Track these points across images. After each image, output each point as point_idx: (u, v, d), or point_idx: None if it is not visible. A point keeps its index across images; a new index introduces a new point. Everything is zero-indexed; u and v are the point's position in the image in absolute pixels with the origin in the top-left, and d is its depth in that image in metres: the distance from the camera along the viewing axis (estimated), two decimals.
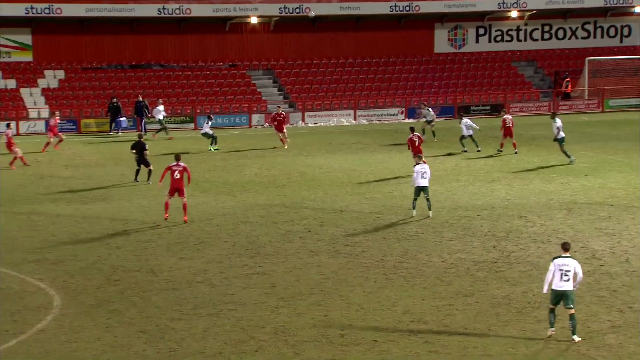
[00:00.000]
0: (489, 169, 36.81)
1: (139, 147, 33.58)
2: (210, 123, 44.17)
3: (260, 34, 61.14)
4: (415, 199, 27.40)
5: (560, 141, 36.85)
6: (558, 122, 37.12)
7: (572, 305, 16.66)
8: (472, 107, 59.34)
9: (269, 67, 61.46)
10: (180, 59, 59.97)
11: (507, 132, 39.81)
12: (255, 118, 55.93)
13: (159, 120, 49.22)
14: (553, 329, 16.83)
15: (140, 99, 52.10)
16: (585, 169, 35.34)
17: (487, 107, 59.34)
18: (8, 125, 40.90)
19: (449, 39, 64.65)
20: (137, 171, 33.81)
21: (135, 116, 52.04)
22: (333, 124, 56.06)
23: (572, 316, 16.66)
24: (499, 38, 65.39)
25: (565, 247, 17.13)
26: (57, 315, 18.42)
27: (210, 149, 42.94)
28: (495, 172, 35.99)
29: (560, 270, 16.68)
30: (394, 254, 23.16)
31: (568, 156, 36.74)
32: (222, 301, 19.33)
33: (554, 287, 16.74)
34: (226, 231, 25.87)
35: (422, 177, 27.28)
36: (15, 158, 38.61)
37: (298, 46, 61.87)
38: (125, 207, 29.65)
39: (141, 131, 50.98)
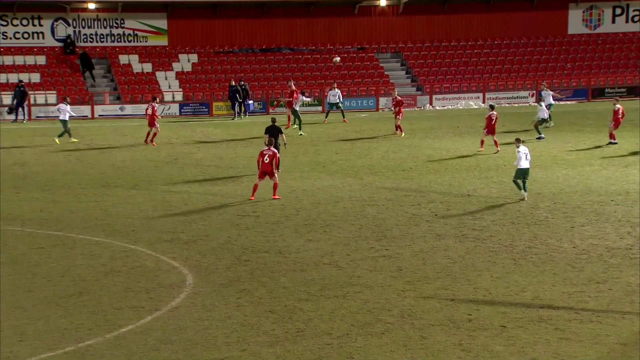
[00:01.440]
0: (623, 153, 35.67)
1: (273, 131, 32.12)
2: (300, 100, 43.47)
3: (389, 16, 60.94)
4: (516, 181, 27.16)
5: None
6: None
7: None
8: (606, 90, 57.56)
9: (397, 50, 61.24)
10: (309, 43, 60.46)
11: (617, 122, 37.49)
12: (383, 101, 55.87)
13: (335, 103, 48.72)
14: None
15: (233, 83, 52.55)
16: None
17: (623, 90, 57.44)
18: (155, 99, 42.33)
19: (583, 20, 62.81)
20: None
21: (229, 101, 52.63)
22: (461, 107, 55.43)
23: None
24: (636, 18, 63.09)
25: None
26: (190, 294, 18.97)
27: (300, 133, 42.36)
28: (630, 156, 34.85)
29: None
30: (523, 239, 22.78)
31: None
32: (348, 283, 19.47)
33: None
34: (353, 214, 26.01)
35: (526, 158, 26.93)
36: (150, 134, 40.03)
37: (427, 28, 61.38)
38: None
39: (234, 115, 51.76)
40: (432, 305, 17.95)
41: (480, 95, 56.78)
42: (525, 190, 27.14)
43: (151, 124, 40.58)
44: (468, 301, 18.15)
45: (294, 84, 46.72)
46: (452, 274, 20.03)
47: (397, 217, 25.52)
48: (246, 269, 20.77)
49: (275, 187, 27.89)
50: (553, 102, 44.29)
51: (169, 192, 29.86)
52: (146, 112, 41.47)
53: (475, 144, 38.68)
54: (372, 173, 32.62)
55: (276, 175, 27.80)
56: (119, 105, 54.24)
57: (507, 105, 55.71)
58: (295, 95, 44.66)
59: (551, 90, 45.53)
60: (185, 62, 58.35)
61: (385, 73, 59.19)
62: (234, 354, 15.61)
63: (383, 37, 61.20)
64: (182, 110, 54.13)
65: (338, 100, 48.86)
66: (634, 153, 35.67)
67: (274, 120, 33.29)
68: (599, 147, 37.48)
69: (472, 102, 56.24)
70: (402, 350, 15.63)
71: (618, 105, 37.69)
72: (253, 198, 27.78)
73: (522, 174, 26.93)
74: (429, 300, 18.27)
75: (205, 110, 54.25)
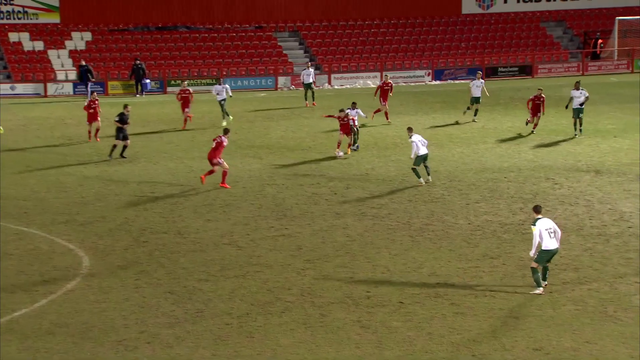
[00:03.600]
0: (516, 130, 36.55)
1: (123, 119, 31.42)
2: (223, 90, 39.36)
3: None
4: (415, 169, 26.63)
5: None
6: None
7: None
8: (499, 69, 58.82)
9: (295, 28, 61.19)
10: (206, 21, 59.82)
11: (536, 109, 35.01)
12: (282, 80, 55.80)
13: (309, 83, 45.53)
14: (544, 284, 17.33)
15: (83, 63, 51.47)
16: (613, 131, 35.02)
17: (515, 69, 58.80)
18: (93, 92, 38.36)
19: (476, 0, 63.97)
20: (114, 146, 31.43)
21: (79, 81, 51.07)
22: (359, 86, 55.82)
23: (547, 267, 17.51)
24: None
25: (537, 209, 17.42)
26: (86, 276, 18.64)
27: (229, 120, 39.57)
28: (523, 134, 35.74)
29: (547, 230, 17.07)
30: (420, 216, 23.16)
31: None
32: (248, 263, 19.46)
33: (545, 247, 17.07)
34: (252, 193, 25.96)
35: (423, 144, 26.69)
36: (92, 130, 35.62)
37: (325, 8, 61.47)
38: (152, 169, 29.82)
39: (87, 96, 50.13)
40: (331, 283, 18.10)
41: (378, 74, 57.24)
42: (429, 174, 26.88)
43: (93, 118, 35.16)
44: (367, 279, 18.37)
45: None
46: (351, 252, 20.23)
47: (297, 196, 25.59)
48: (144, 250, 20.53)
49: (222, 174, 26.65)
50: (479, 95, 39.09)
51: (63, 174, 29.20)
52: (88, 107, 35.24)
53: (373, 123, 39.01)
54: (271, 153, 32.60)
55: (221, 163, 26.52)
56: (10, 85, 52.62)
57: (404, 84, 56.39)
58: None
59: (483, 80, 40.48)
60: (79, 40, 56.95)
61: (284, 52, 59.08)
62: (133, 335, 15.43)
63: (281, 15, 61.02)
64: (76, 90, 52.81)
65: (312, 81, 45.61)
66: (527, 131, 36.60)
67: (124, 106, 32.44)
68: (524, 134, 38.26)
69: (370, 82, 56.69)
70: (302, 329, 15.73)
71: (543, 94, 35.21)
72: (203, 179, 26.67)
73: (422, 159, 26.71)
74: (328, 278, 18.42)
75: (100, 89, 53.07)
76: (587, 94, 34.55)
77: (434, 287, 17.78)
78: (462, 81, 56.80)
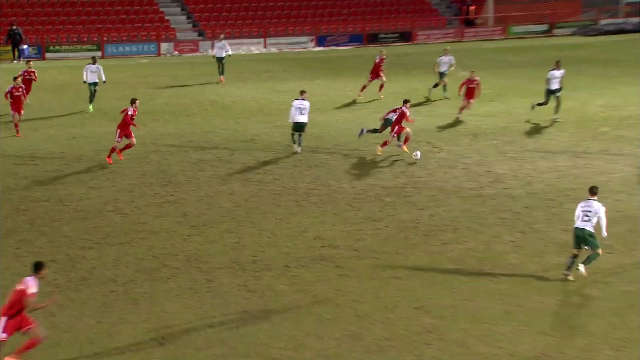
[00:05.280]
0: (396, 97, 37.14)
1: None
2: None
3: None
4: (293, 134, 26.24)
5: None
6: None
7: (594, 246, 16.35)
8: (380, 35, 59.51)
9: None
10: None
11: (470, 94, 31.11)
12: (164, 46, 55.05)
13: (222, 57, 41.12)
14: (568, 272, 16.36)
15: None
16: (490, 95, 36.05)
17: (396, 35, 59.63)
18: (15, 79, 30.87)
19: None
20: None
21: None
22: (243, 52, 55.62)
23: (597, 254, 16.44)
24: None
25: (592, 191, 16.65)
26: None
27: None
28: (403, 99, 36.31)
29: (582, 211, 16.42)
30: (305, 181, 23.45)
31: None
32: (133, 230, 19.36)
33: (575, 226, 16.45)
34: (137, 160, 25.71)
35: (301, 113, 25.97)
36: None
37: None
38: (32, 136, 29.12)
39: None
40: (217, 248, 18.21)
41: (262, 40, 57.14)
42: (299, 145, 26.17)
43: (17, 107, 29.58)
44: (253, 243, 18.56)
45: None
46: (236, 217, 20.36)
47: (182, 162, 25.49)
48: (25, 218, 20.14)
49: (127, 146, 25.14)
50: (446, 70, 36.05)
51: None
52: (11, 94, 29.67)
53: (257, 90, 39.02)
54: (155, 119, 32.26)
55: (119, 140, 24.94)
56: None
57: (288, 50, 56.48)
58: None
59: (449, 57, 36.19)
60: None
61: (166, 18, 58.24)
62: None
63: None
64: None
65: (225, 54, 41.04)
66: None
67: None
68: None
69: (254, 48, 56.54)
70: (189, 294, 15.81)
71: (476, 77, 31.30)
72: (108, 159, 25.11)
73: (297, 127, 26.06)
74: (214, 244, 18.52)
75: None
76: (564, 73, 30.94)
77: (318, 250, 18.11)
78: (345, 47, 57.30)
